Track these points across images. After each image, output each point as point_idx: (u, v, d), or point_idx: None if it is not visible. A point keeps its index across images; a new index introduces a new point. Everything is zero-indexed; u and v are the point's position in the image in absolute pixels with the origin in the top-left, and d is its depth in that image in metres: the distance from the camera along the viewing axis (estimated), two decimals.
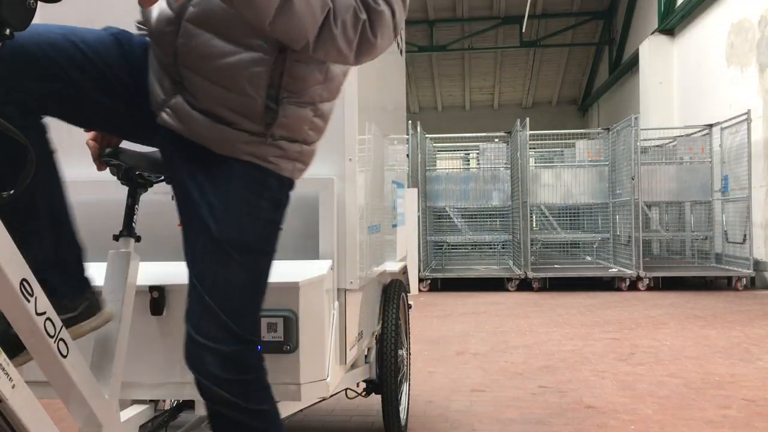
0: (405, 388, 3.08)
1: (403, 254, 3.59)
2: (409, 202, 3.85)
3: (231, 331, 1.38)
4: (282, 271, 1.81)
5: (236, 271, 1.40)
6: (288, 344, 1.77)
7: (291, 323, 1.78)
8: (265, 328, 1.77)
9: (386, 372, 2.66)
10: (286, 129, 1.42)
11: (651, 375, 4.23)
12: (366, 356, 2.80)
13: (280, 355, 1.78)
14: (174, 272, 1.80)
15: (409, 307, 3.36)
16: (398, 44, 3.52)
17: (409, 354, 3.37)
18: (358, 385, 2.72)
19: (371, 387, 2.79)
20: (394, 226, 3.19)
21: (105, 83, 1.42)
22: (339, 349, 2.09)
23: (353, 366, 2.57)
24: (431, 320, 6.49)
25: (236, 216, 1.40)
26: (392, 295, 2.85)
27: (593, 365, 4.52)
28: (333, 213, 2.07)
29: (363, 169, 2.31)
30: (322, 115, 1.51)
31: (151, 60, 1.46)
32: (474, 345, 5.25)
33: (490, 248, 10.62)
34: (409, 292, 3.50)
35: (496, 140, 10.42)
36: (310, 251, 2.09)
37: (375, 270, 2.58)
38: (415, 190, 3.87)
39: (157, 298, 1.84)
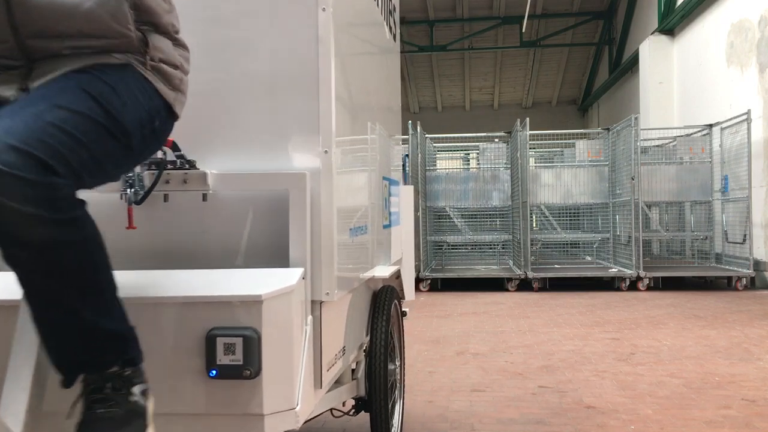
0: (399, 406, 2.90)
1: (399, 256, 3.37)
2: (405, 201, 3.66)
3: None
4: (243, 281, 1.66)
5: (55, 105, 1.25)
6: (249, 368, 1.52)
7: (252, 343, 1.53)
8: (222, 349, 1.52)
9: (375, 389, 2.44)
10: (161, 52, 1.44)
11: (651, 375, 4.23)
12: (354, 371, 2.57)
13: (240, 382, 1.53)
14: (120, 283, 1.58)
15: (404, 314, 3.16)
16: (391, 29, 3.27)
17: (403, 368, 3.15)
18: (344, 404, 2.53)
19: (360, 405, 2.56)
20: (386, 226, 2.95)
21: None
22: (313, 371, 1.84)
23: (338, 382, 2.38)
24: (431, 320, 6.49)
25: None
26: (382, 303, 2.62)
27: (593, 365, 4.52)
28: (305, 213, 1.81)
29: (342, 163, 2.05)
30: (182, 45, 1.56)
31: None
32: (474, 345, 5.25)
33: (490, 248, 10.61)
34: (404, 299, 3.29)
35: (496, 140, 10.42)
36: (279, 258, 1.84)
37: (361, 277, 2.35)
38: (412, 187, 3.79)
39: None
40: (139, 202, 1.79)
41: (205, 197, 1.87)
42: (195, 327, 1.55)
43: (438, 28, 18.37)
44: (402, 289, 3.24)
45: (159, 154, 1.77)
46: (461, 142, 11.33)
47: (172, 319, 1.57)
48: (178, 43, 1.55)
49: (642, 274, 8.60)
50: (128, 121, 1.34)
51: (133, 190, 1.78)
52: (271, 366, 1.58)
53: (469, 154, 11.39)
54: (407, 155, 9.12)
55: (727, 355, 4.78)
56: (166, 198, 1.89)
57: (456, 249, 10.65)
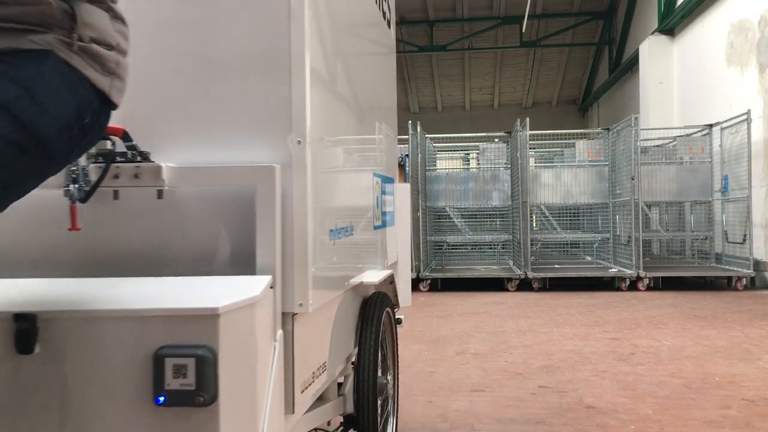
0: (392, 422, 2.72)
1: (394, 259, 3.17)
2: (401, 200, 3.42)
3: None
4: (199, 292, 1.45)
5: None
6: (202, 394, 1.29)
7: (207, 365, 1.30)
8: (171, 372, 1.29)
9: (364, 405, 2.24)
10: (92, 29, 1.19)
11: (651, 375, 4.23)
12: (341, 386, 2.38)
13: (192, 410, 1.30)
14: (51, 293, 1.43)
15: (399, 322, 2.97)
16: (384, 14, 3.06)
17: (397, 381, 2.96)
18: (329, 423, 2.39)
19: (348, 423, 2.34)
20: (378, 227, 2.72)
21: None
22: (283, 394, 1.63)
23: (323, 399, 2.19)
24: (431, 320, 6.49)
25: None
26: (372, 311, 2.42)
27: (593, 365, 4.52)
28: (274, 212, 1.60)
29: (321, 156, 1.82)
30: (120, 18, 1.29)
31: None
32: (474, 345, 5.25)
33: (490, 248, 10.62)
34: (399, 306, 3.10)
35: (496, 140, 10.42)
36: (244, 264, 1.64)
37: (346, 284, 2.14)
38: (408, 185, 3.52)
39: (25, 329, 1.33)
40: (83, 200, 1.53)
41: (160, 194, 1.65)
42: (140, 345, 1.33)
43: (438, 28, 18.38)
44: (396, 295, 3.03)
45: (108, 145, 1.56)
46: (461, 142, 11.33)
47: (113, 336, 1.34)
48: (115, 15, 1.27)
49: (642, 274, 8.60)
50: (46, 129, 1.12)
51: (77, 185, 1.53)
52: (230, 391, 1.36)
53: (469, 154, 11.39)
54: (407, 155, 9.12)
55: (727, 355, 4.78)
56: (115, 195, 1.66)
57: (456, 249, 10.65)
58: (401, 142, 9.52)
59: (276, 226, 1.60)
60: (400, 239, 3.33)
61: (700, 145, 9.49)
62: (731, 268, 8.83)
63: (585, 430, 3.20)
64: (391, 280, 2.86)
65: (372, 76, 2.73)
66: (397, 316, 2.98)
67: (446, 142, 10.97)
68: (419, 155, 9.43)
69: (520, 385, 4.03)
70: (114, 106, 1.30)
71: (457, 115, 22.96)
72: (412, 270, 8.80)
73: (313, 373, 1.86)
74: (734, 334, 5.56)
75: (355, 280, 2.28)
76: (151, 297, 1.42)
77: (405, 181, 9.00)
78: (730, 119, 9.04)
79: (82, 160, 1.54)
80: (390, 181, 3.13)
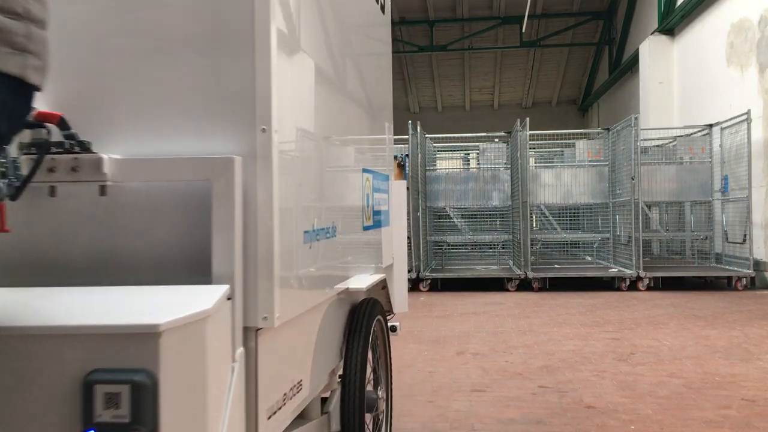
0: None
1: (389, 262, 2.98)
2: (397, 198, 3.19)
3: None
4: (141, 305, 1.24)
5: None
6: (138, 427, 1.11)
7: (144, 392, 1.11)
8: (102, 401, 1.10)
9: (350, 423, 2.06)
10: None
11: (651, 375, 4.23)
12: (326, 402, 2.18)
13: None
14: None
15: (393, 330, 2.78)
16: None
17: (391, 394, 2.74)
18: None
19: None
20: (369, 227, 2.51)
21: None
22: (245, 422, 1.43)
23: (304, 418, 1.97)
24: (431, 320, 6.49)
25: None
26: (360, 320, 2.22)
27: (593, 365, 4.52)
28: (233, 211, 1.39)
29: (293, 147, 1.60)
30: None
31: None
32: (474, 345, 5.25)
33: (490, 248, 10.62)
34: (393, 313, 2.93)
35: (496, 140, 10.43)
36: (200, 272, 1.43)
37: (326, 291, 1.92)
38: (404, 182, 3.28)
39: None
40: (13, 197, 1.29)
41: (103, 190, 1.43)
42: (66, 369, 1.13)
43: (438, 28, 18.37)
44: (389, 301, 2.82)
45: (43, 133, 1.36)
46: (461, 142, 11.33)
47: (34, 358, 1.14)
48: None
49: (642, 274, 8.60)
50: None
51: (5, 180, 1.28)
52: (174, 423, 1.15)
53: (469, 154, 11.39)
54: (407, 155, 9.11)
55: (727, 355, 4.78)
56: (52, 192, 1.45)
57: (456, 249, 10.65)
58: (401, 142, 9.53)
59: (235, 227, 1.39)
60: (396, 240, 3.14)
61: (700, 145, 9.49)
62: (731, 268, 8.83)
63: (585, 430, 3.20)
64: (383, 285, 2.65)
65: (360, 54, 2.40)
66: (391, 324, 2.80)
67: (446, 142, 10.97)
68: (419, 155, 9.43)
69: (520, 385, 4.03)
70: (35, 89, 1.08)
71: (457, 115, 22.96)
72: (411, 270, 8.83)
73: (285, 394, 1.64)
74: (734, 334, 5.56)
75: (341, 287, 2.07)
76: (82, 311, 1.21)
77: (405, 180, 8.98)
78: (730, 119, 9.04)
79: (12, 151, 1.31)
80: (384, 178, 2.91)
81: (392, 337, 2.86)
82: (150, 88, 1.49)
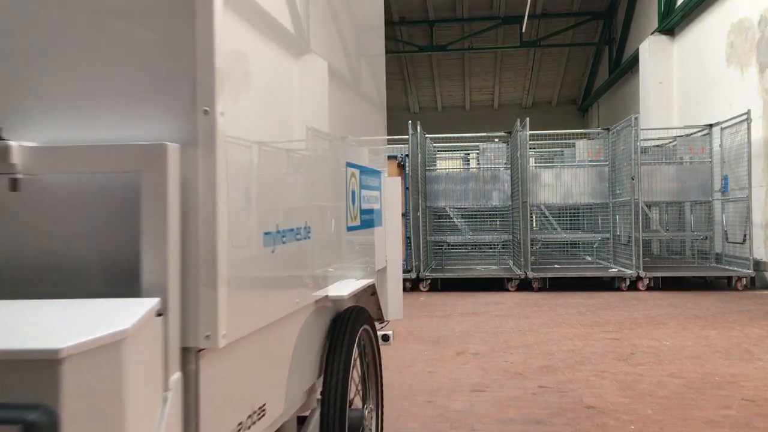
0: None
1: (381, 265, 2.74)
2: (391, 196, 2.96)
3: None
4: (41, 323, 1.03)
5: None
6: None
7: None
8: None
9: None
10: None
11: (651, 375, 4.23)
12: (305, 423, 1.97)
13: None
14: None
15: (385, 339, 2.60)
16: None
17: (381, 408, 2.51)
18: None
19: None
20: (355, 228, 2.28)
21: None
22: None
23: None
24: (431, 320, 6.49)
25: None
26: (342, 331, 1.99)
27: (593, 365, 4.52)
28: (166, 209, 1.16)
29: (244, 132, 1.34)
30: None
31: None
32: (474, 345, 5.25)
33: (490, 248, 10.62)
34: (386, 320, 2.73)
35: (496, 140, 10.43)
36: (126, 282, 1.21)
37: (296, 302, 1.67)
38: (399, 179, 3.04)
39: None
40: None
41: (13, 185, 1.22)
42: None
43: (438, 28, 18.38)
44: (379, 309, 2.59)
45: None
46: (461, 142, 11.34)
47: None
48: None
49: (642, 274, 8.60)
50: None
51: None
52: None
53: (469, 154, 11.40)
54: (407, 155, 9.12)
55: (727, 355, 4.78)
56: None
57: (456, 249, 10.66)
58: (401, 142, 9.53)
59: (169, 227, 1.16)
60: (389, 241, 2.91)
61: (700, 145, 9.49)
62: (731, 268, 8.83)
63: (585, 430, 3.20)
64: (372, 291, 2.42)
65: (343, 27, 2.07)
66: (383, 332, 2.61)
67: (446, 142, 10.98)
68: (419, 155, 9.43)
69: (520, 385, 4.03)
70: None
71: (457, 115, 22.97)
72: (412, 270, 8.83)
73: (241, 423, 1.41)
74: (734, 334, 5.56)
75: (318, 295, 1.83)
76: None
77: (405, 182, 8.98)
78: (730, 119, 9.04)
79: None
80: (374, 173, 2.63)
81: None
82: (72, 64, 1.26)
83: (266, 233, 1.47)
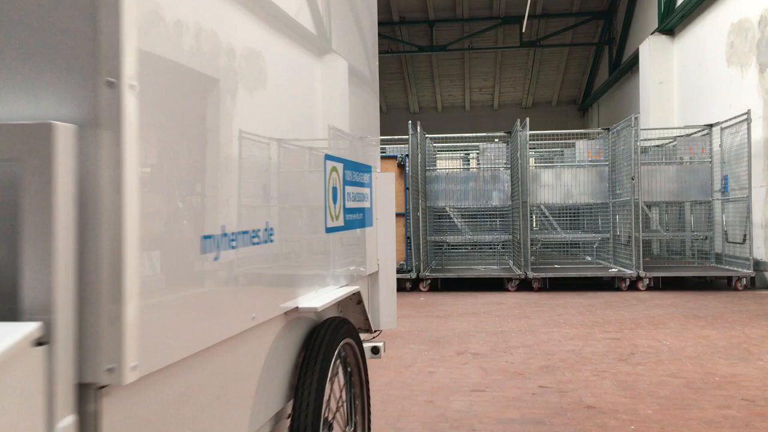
0: None
1: (373, 269, 2.55)
2: (383, 194, 2.72)
3: None
4: None
5: None
6: None
7: None
8: None
9: None
10: None
11: (651, 375, 4.23)
12: None
13: None
14: None
15: (375, 352, 2.38)
16: None
17: (368, 426, 2.30)
18: None
19: None
20: (336, 229, 2.04)
21: None
22: None
23: None
24: (431, 320, 6.49)
25: None
26: (317, 348, 1.77)
27: (593, 365, 4.52)
28: (54, 206, 0.91)
29: (169, 111, 1.08)
30: None
31: None
32: (474, 345, 5.25)
33: (490, 248, 10.63)
34: (376, 331, 2.51)
35: (496, 140, 10.43)
36: (6, 300, 0.95)
37: (254, 317, 1.44)
38: (392, 174, 2.72)
39: None
40: None
41: None
42: None
43: (438, 28, 18.38)
44: (367, 319, 2.36)
45: None
46: (461, 142, 11.34)
47: None
48: None
49: (642, 274, 8.60)
50: None
51: None
52: None
53: (469, 154, 11.40)
54: (407, 155, 9.12)
55: (727, 355, 4.78)
56: None
57: (456, 249, 10.66)
58: (401, 142, 9.53)
59: (56, 231, 0.91)
60: (382, 243, 2.68)
61: (700, 145, 9.49)
62: (731, 268, 8.83)
63: (585, 430, 3.20)
64: (358, 300, 2.19)
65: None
66: (373, 344, 2.40)
67: (446, 142, 10.98)
68: (419, 155, 9.44)
69: (520, 385, 4.03)
70: None
71: (457, 115, 22.97)
72: (412, 270, 8.83)
73: None
74: (734, 334, 5.56)
75: (287, 306, 1.60)
76: None
77: (405, 182, 8.98)
78: (730, 119, 9.04)
79: None
80: (363, 169, 2.38)
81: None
82: None
83: (206, 237, 1.23)
